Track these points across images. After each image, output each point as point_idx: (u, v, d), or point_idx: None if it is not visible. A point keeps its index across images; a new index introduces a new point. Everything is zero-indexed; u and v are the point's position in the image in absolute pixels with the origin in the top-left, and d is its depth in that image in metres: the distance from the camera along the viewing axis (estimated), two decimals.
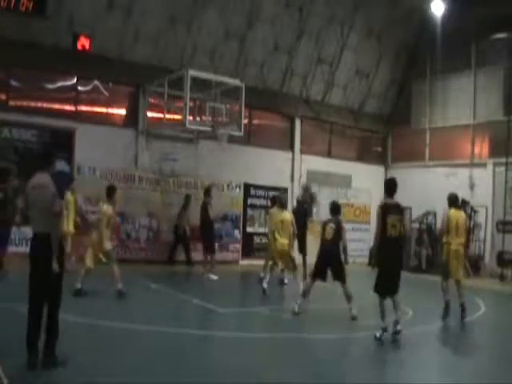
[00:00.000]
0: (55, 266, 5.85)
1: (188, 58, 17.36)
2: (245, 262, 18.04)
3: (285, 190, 19.97)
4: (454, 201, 10.58)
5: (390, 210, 7.94)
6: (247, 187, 18.68)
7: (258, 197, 19.10)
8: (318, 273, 9.85)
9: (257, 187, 19.12)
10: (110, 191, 10.79)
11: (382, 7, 20.21)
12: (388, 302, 8.23)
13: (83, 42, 15.24)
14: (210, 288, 12.89)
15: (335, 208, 10.28)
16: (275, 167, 19.58)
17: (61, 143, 15.42)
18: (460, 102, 20.32)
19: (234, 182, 18.26)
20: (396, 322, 8.06)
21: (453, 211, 10.40)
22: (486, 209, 18.76)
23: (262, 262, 16.40)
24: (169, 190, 16.86)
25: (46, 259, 5.81)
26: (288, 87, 20.07)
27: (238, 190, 18.32)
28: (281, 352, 7.52)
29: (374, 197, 22.43)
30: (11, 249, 14.54)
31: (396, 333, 8.02)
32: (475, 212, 18.70)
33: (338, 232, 9.81)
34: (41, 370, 5.74)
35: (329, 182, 21.23)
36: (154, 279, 13.02)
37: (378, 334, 7.96)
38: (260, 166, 18.99)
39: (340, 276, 9.77)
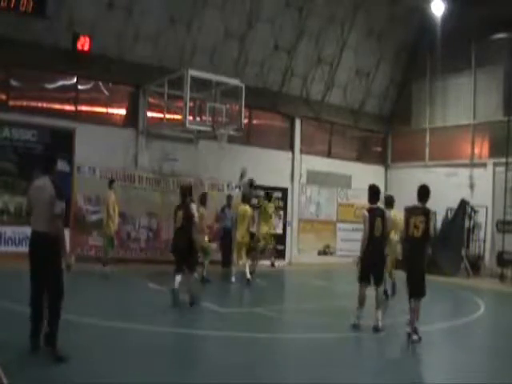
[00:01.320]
0: (70, 261, 6.41)
1: (188, 57, 17.36)
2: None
3: (285, 189, 19.99)
4: (390, 202, 11.65)
5: (413, 212, 8.30)
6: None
7: (258, 197, 19.03)
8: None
9: (257, 187, 19.07)
10: (203, 198, 13.46)
11: (382, 7, 20.22)
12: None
13: (83, 42, 15.22)
14: (209, 288, 12.88)
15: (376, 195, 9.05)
16: (275, 167, 19.58)
17: (61, 143, 15.43)
18: (460, 102, 20.32)
19: (233, 181, 18.24)
20: (414, 329, 8.05)
21: (394, 212, 11.28)
22: (486, 209, 18.75)
23: (262, 262, 16.49)
24: (169, 189, 16.85)
25: (43, 256, 6.18)
26: (288, 87, 20.07)
27: (237, 189, 18.28)
28: (281, 352, 7.52)
29: None
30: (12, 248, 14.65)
31: (412, 341, 8.01)
32: (475, 212, 18.70)
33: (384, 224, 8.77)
34: (43, 366, 5.75)
35: (329, 181, 21.25)
36: (154, 279, 13.02)
37: (408, 329, 8.08)
38: (260, 165, 18.95)
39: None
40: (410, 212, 8.34)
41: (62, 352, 6.09)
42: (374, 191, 8.91)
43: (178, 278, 10.01)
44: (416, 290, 8.10)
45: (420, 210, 8.29)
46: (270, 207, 15.13)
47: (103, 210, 13.72)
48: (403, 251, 8.60)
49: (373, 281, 8.71)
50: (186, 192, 10.57)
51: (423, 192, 8.44)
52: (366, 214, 8.67)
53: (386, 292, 11.28)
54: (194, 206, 10.74)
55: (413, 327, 7.99)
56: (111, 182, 13.79)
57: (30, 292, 6.38)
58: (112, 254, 13.49)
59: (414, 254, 8.22)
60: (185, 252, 10.20)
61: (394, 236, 11.27)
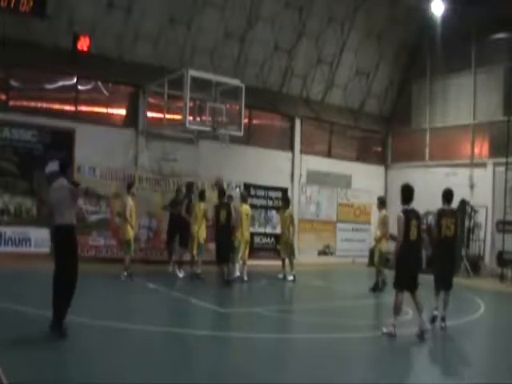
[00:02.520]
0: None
1: (188, 57, 17.37)
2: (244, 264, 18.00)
3: (285, 190, 19.99)
4: (383, 202, 13.27)
5: (444, 215, 8.92)
6: (247, 187, 18.66)
7: (258, 197, 19.08)
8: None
9: (257, 187, 19.11)
10: (202, 194, 14.04)
11: (382, 7, 20.22)
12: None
13: (83, 42, 15.22)
14: (209, 288, 12.88)
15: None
16: (275, 167, 19.58)
17: (61, 143, 15.43)
18: (460, 102, 20.32)
19: (233, 181, 18.25)
20: (442, 318, 8.80)
21: (384, 211, 12.90)
22: (486, 209, 18.75)
23: (262, 262, 16.50)
24: (169, 190, 16.83)
25: (66, 245, 7.21)
26: (288, 87, 20.07)
27: (238, 189, 18.28)
28: (281, 353, 7.52)
29: (375, 197, 22.43)
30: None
31: (442, 328, 8.77)
32: (475, 212, 18.69)
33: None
34: (43, 366, 5.75)
35: (329, 182, 21.25)
36: (154, 279, 13.02)
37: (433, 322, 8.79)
38: (260, 166, 18.98)
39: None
40: (441, 215, 8.89)
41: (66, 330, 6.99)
42: (409, 192, 8.41)
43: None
44: (449, 284, 8.89)
45: (450, 213, 9.01)
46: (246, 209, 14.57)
47: (122, 214, 13.47)
48: (437, 250, 8.97)
49: (409, 287, 8.30)
50: (223, 193, 13.46)
51: (449, 195, 9.11)
52: (402, 215, 8.11)
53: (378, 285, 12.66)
54: (233, 206, 13.47)
55: (443, 315, 8.76)
56: (129, 186, 13.58)
57: (56, 279, 7.12)
58: (129, 259, 13.32)
59: (448, 252, 8.91)
60: (227, 247, 12.94)
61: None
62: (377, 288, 12.73)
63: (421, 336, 8.08)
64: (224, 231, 13.00)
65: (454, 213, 9.16)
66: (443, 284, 8.88)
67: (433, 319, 8.90)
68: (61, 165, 7.72)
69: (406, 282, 8.18)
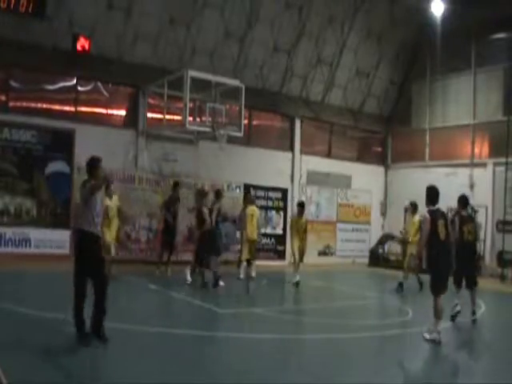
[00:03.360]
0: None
1: (187, 58, 17.37)
2: (244, 263, 17.96)
3: (285, 190, 19.99)
4: (416, 207, 13.48)
5: (466, 221, 9.59)
6: (247, 188, 18.64)
7: (258, 197, 19.04)
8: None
9: (257, 188, 19.09)
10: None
11: (382, 7, 20.22)
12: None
13: (83, 43, 15.23)
14: (209, 289, 12.87)
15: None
16: (275, 168, 19.58)
17: (61, 144, 15.44)
18: (460, 102, 20.32)
19: (234, 182, 18.25)
20: (473, 312, 9.57)
21: (417, 216, 13.08)
22: (486, 209, 18.75)
23: (262, 263, 16.46)
24: (169, 190, 16.81)
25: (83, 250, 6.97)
26: (288, 87, 20.07)
27: (238, 190, 18.30)
28: (281, 353, 7.51)
29: (374, 197, 22.48)
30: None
31: (473, 321, 9.54)
32: (475, 212, 18.67)
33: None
34: (43, 367, 5.75)
35: (329, 182, 21.26)
36: (154, 280, 13.02)
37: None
38: (260, 166, 18.97)
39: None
40: (462, 221, 9.54)
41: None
42: (434, 192, 8.26)
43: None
44: (474, 282, 9.63)
45: (469, 218, 9.85)
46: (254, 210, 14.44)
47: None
48: (459, 253, 9.10)
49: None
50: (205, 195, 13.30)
51: (466, 200, 9.86)
52: (428, 216, 7.98)
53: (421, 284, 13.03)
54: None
55: (473, 309, 9.58)
56: (106, 186, 11.56)
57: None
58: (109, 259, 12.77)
59: (470, 254, 9.59)
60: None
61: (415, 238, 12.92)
62: (421, 286, 13.04)
63: (435, 341, 7.81)
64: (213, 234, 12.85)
65: (472, 218, 10.23)
66: (461, 283, 9.48)
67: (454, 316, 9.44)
68: (86, 165, 7.55)
69: (445, 285, 8.00)
